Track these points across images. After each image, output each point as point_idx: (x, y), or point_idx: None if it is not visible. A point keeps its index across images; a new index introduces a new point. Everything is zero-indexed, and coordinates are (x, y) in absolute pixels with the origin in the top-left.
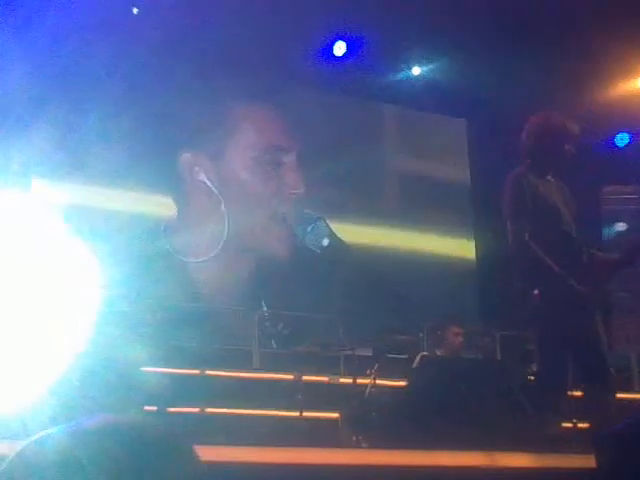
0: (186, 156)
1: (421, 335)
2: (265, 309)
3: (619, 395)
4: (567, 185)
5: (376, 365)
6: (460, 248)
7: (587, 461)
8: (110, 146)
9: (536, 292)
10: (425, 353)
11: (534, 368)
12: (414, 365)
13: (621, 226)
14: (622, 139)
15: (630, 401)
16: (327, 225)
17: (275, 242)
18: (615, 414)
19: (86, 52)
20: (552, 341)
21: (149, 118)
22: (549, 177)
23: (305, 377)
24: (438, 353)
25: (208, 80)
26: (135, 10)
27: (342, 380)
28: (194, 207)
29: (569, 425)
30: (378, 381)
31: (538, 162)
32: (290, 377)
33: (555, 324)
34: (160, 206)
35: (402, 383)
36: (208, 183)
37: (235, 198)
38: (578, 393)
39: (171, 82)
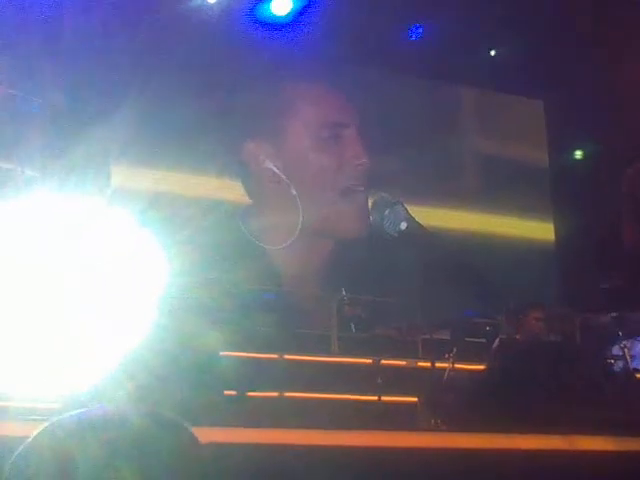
0: (249, 146)
1: (500, 319)
2: (344, 293)
3: None
4: None
5: (454, 349)
6: (539, 231)
7: None
8: (182, 136)
9: None
10: (503, 336)
11: (614, 352)
12: (494, 348)
13: None
14: None
15: None
16: (405, 209)
17: (349, 217)
18: None
19: (158, 42)
20: None
21: (213, 108)
22: None
23: (384, 361)
24: (518, 336)
25: (262, 64)
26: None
27: (420, 364)
28: (266, 195)
29: None
30: (456, 365)
31: None
32: (369, 361)
33: None
34: (236, 193)
35: (480, 366)
36: (275, 170)
37: (303, 180)
38: None
39: (228, 71)
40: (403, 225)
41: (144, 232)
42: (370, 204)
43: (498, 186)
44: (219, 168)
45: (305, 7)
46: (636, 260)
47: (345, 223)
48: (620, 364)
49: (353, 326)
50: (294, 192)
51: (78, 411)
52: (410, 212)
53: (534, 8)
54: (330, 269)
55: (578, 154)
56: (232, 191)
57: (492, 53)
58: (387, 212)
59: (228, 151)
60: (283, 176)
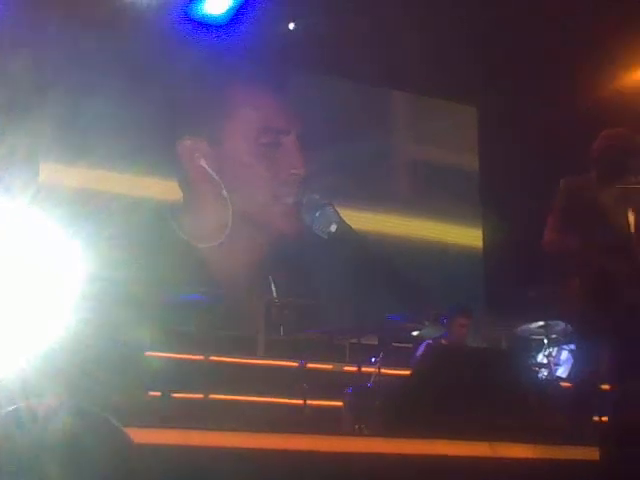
0: (185, 143)
1: (427, 324)
2: (275, 295)
3: None
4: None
5: (381, 353)
6: (468, 237)
7: (590, 454)
8: (115, 132)
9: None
10: (430, 341)
11: (539, 359)
12: (418, 353)
13: None
14: None
15: None
16: (335, 211)
17: (281, 223)
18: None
19: (91, 38)
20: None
21: (151, 104)
22: (613, 190)
23: (310, 365)
24: (444, 341)
25: (205, 64)
26: None
27: (347, 368)
28: (197, 193)
29: (573, 417)
30: (383, 369)
31: (602, 174)
32: (295, 364)
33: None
34: (167, 190)
35: (406, 372)
36: (207, 169)
37: (236, 182)
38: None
39: (169, 68)
40: (333, 227)
41: (72, 230)
42: (298, 201)
43: (429, 191)
44: (153, 165)
45: (241, 6)
46: (560, 269)
47: (276, 223)
48: (545, 372)
49: (282, 329)
50: (225, 193)
51: (6, 407)
52: (341, 214)
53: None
54: (261, 270)
55: (509, 161)
56: (165, 189)
57: (425, 58)
58: (317, 214)
59: (164, 148)
60: (215, 176)
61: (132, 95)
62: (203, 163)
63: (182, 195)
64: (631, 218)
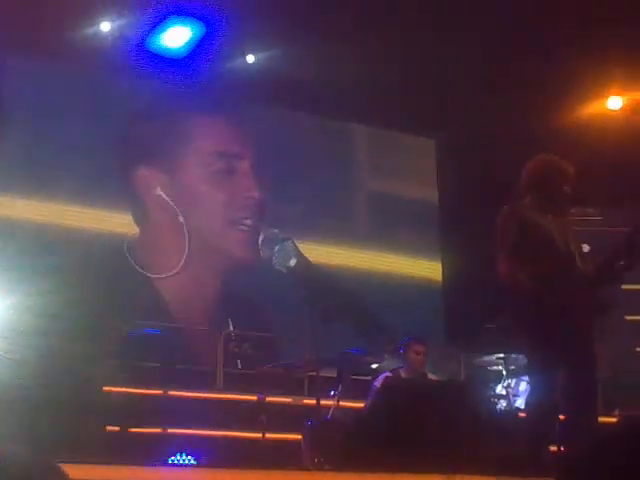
0: (142, 173)
1: (386, 356)
2: (232, 329)
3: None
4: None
5: (340, 386)
6: (427, 269)
7: None
8: (70, 165)
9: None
10: (389, 374)
11: (498, 390)
12: (377, 386)
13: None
14: None
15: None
16: (294, 245)
17: (237, 246)
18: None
19: (42, 73)
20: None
21: (105, 137)
22: (548, 215)
23: (269, 398)
24: (402, 373)
25: (159, 95)
26: None
27: (306, 401)
28: (154, 222)
29: (531, 448)
30: (342, 402)
31: (537, 200)
32: (253, 398)
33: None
34: (122, 224)
35: (365, 404)
36: (165, 197)
37: (192, 208)
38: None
39: (124, 101)
40: (292, 261)
41: (25, 263)
42: (260, 240)
43: (389, 224)
44: (108, 197)
45: (198, 40)
46: (518, 301)
47: (232, 247)
48: (503, 403)
49: (239, 362)
50: (181, 220)
51: None
52: (300, 249)
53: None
54: (218, 301)
55: (468, 194)
56: (119, 222)
57: (383, 92)
58: (277, 248)
59: (119, 179)
60: (172, 204)
61: (86, 128)
62: (159, 191)
63: (138, 227)
64: (573, 245)
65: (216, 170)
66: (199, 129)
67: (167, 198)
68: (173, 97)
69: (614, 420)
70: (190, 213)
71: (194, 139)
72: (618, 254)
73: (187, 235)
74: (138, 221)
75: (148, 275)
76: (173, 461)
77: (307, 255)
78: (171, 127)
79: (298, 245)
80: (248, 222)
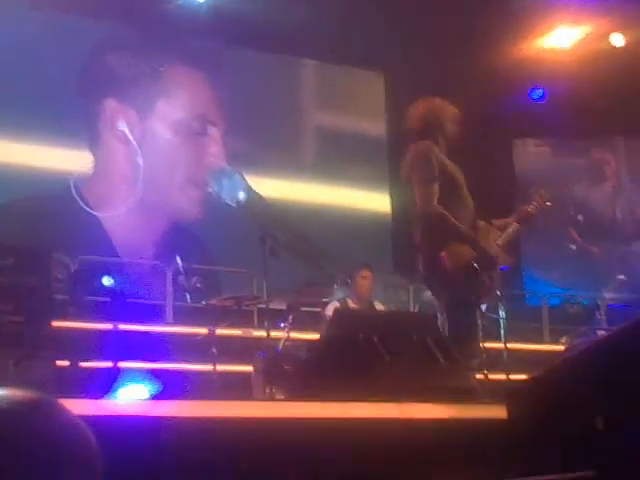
0: (109, 103)
1: (335, 287)
2: (180, 263)
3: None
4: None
5: (290, 318)
6: (376, 202)
7: (498, 412)
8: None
9: (443, 254)
10: (337, 304)
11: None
12: (327, 317)
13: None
14: (537, 94)
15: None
16: (243, 179)
17: (190, 205)
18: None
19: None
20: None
21: (70, 67)
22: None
23: (219, 331)
24: (350, 301)
25: (147, 37)
26: None
27: (256, 333)
28: (110, 156)
29: (481, 376)
30: (292, 334)
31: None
32: (204, 331)
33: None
34: (69, 161)
35: (315, 336)
36: (127, 133)
37: (154, 155)
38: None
39: (109, 34)
40: (241, 195)
41: None
42: (209, 174)
43: (337, 158)
44: (58, 131)
45: None
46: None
47: (184, 211)
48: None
49: (188, 296)
50: (140, 162)
51: None
52: (250, 184)
53: None
54: (167, 237)
55: None
56: (65, 158)
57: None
58: (225, 182)
59: (85, 109)
60: (134, 142)
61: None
62: (124, 126)
63: (95, 158)
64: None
65: (189, 128)
66: (183, 84)
67: (130, 134)
68: (154, 38)
69: (561, 348)
70: (150, 158)
71: (177, 92)
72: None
73: (142, 177)
74: (93, 152)
75: (94, 212)
76: (124, 394)
77: (256, 189)
78: (149, 68)
79: (247, 179)
80: (206, 186)
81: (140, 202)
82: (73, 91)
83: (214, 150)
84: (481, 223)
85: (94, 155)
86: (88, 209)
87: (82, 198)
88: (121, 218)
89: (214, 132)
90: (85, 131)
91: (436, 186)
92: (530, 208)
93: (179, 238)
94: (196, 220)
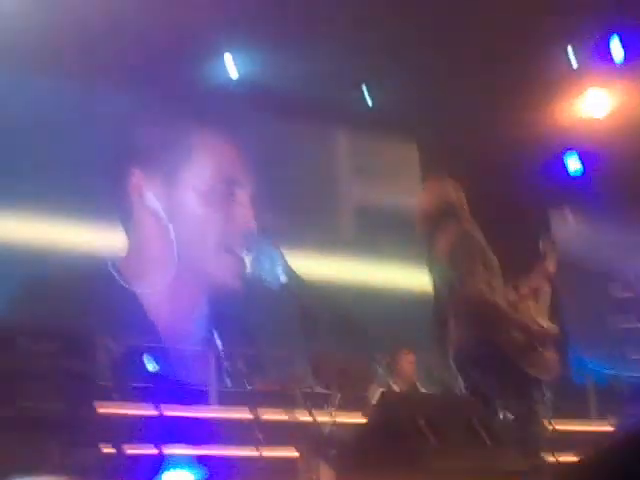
0: (136, 175)
1: (378, 369)
2: (221, 347)
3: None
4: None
5: (336, 401)
6: (417, 278)
7: None
8: (57, 176)
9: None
10: (383, 389)
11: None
12: (373, 401)
13: None
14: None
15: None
16: (284, 259)
17: (226, 273)
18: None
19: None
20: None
21: (98, 145)
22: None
23: (264, 415)
24: (395, 386)
25: (168, 103)
26: None
27: (301, 417)
28: (143, 232)
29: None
30: (338, 418)
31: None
32: (249, 415)
33: None
34: (104, 240)
35: (362, 420)
36: (157, 207)
37: (184, 226)
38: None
39: (129, 101)
40: (283, 278)
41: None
42: (251, 257)
43: (376, 234)
44: (95, 212)
45: None
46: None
47: (221, 273)
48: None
49: (229, 380)
50: (172, 236)
51: None
52: (289, 263)
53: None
54: (206, 318)
55: None
56: (105, 238)
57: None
58: (267, 265)
59: (113, 184)
60: (164, 216)
61: (76, 137)
62: (153, 200)
63: (127, 235)
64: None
65: (216, 193)
66: (207, 147)
67: (159, 208)
68: (175, 105)
69: (609, 429)
70: (181, 230)
71: (200, 156)
72: None
73: (176, 250)
74: (126, 229)
75: (133, 290)
76: None
77: (296, 268)
78: (171, 136)
79: (286, 258)
80: (239, 251)
81: (176, 277)
82: (102, 167)
83: (244, 213)
84: (511, 295)
85: (127, 232)
86: (126, 285)
87: (119, 275)
88: (159, 295)
89: (241, 194)
90: (115, 207)
91: (481, 268)
92: (550, 265)
93: (218, 320)
94: (236, 298)
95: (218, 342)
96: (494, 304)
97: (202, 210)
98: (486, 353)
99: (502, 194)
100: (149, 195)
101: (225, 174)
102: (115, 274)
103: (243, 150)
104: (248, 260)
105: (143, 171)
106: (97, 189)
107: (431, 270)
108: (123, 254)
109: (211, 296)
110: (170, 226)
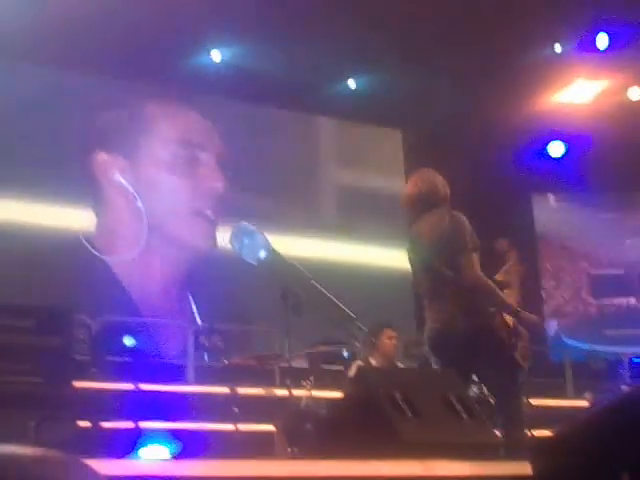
0: (101, 157)
1: (357, 345)
2: (200, 321)
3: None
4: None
5: (312, 377)
6: (396, 259)
7: (522, 468)
8: (19, 154)
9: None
10: (360, 363)
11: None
12: (350, 375)
13: None
14: (555, 148)
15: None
16: (264, 237)
17: (196, 236)
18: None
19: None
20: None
21: (59, 122)
22: None
23: (241, 390)
24: (373, 361)
25: (120, 79)
26: None
27: (278, 392)
28: (112, 208)
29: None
30: (314, 393)
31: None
32: (226, 390)
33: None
34: (76, 219)
35: (338, 394)
36: (123, 181)
37: (151, 195)
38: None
39: (81, 82)
40: (262, 253)
41: None
42: (230, 233)
43: (356, 215)
44: (64, 192)
45: None
46: None
47: (192, 242)
48: (475, 389)
49: (206, 355)
50: (140, 205)
51: None
52: (270, 241)
53: (387, 39)
54: (182, 291)
55: None
56: (77, 215)
57: (351, 84)
58: (246, 241)
59: (77, 168)
60: (131, 189)
61: (42, 120)
62: (119, 177)
63: (95, 213)
64: None
65: (179, 159)
66: (163, 116)
67: (126, 183)
68: (136, 83)
69: (585, 404)
70: (149, 200)
71: (158, 126)
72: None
73: (146, 220)
74: (96, 208)
75: (106, 260)
76: (146, 454)
77: (275, 246)
78: (133, 113)
79: (267, 237)
80: (209, 213)
81: (148, 246)
82: (74, 150)
83: (209, 175)
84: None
85: (98, 210)
86: (98, 254)
87: (92, 245)
88: (131, 264)
89: (206, 157)
90: (86, 188)
91: (477, 255)
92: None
93: (197, 294)
94: (209, 261)
95: (196, 314)
96: (492, 287)
97: (167, 178)
98: (478, 336)
99: (487, 179)
100: (115, 172)
101: (186, 139)
102: (88, 246)
103: (206, 116)
104: (216, 222)
105: (107, 151)
106: (65, 172)
107: (413, 251)
108: (95, 229)
109: (186, 263)
110: (138, 198)
